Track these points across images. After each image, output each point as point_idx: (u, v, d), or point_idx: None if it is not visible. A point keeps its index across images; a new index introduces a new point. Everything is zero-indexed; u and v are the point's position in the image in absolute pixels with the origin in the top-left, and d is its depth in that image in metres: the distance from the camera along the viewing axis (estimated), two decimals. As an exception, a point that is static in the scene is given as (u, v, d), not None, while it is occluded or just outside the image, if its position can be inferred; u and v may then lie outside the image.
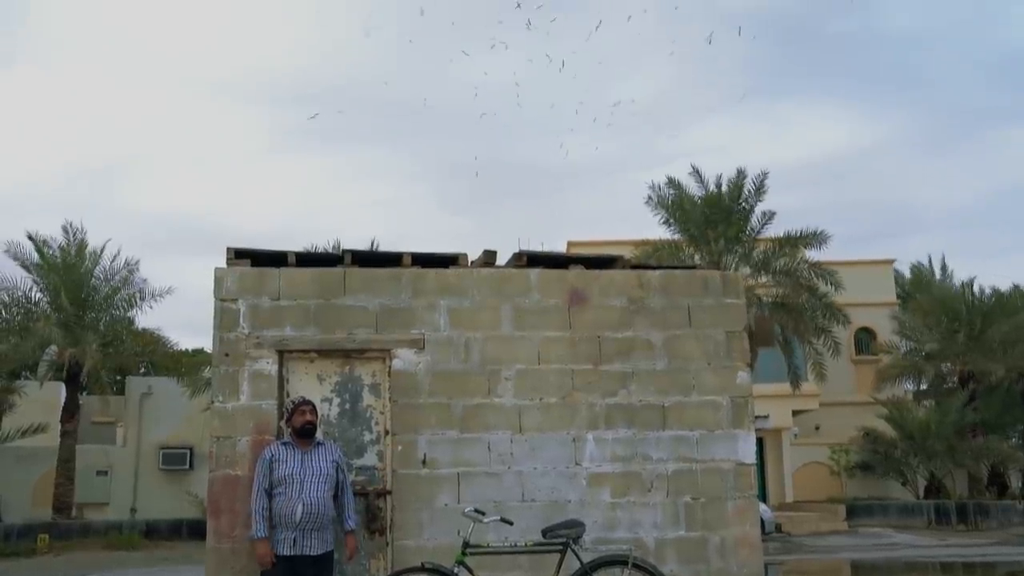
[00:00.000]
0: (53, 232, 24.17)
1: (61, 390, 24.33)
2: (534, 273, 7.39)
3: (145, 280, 23.88)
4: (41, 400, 24.84)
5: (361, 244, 22.42)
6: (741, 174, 23.66)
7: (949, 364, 29.15)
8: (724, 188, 23.77)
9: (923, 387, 30.93)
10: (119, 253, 23.81)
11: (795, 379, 25.13)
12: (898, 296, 33.35)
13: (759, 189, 23.43)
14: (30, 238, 22.78)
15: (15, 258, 22.42)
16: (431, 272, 7.25)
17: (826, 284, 23.42)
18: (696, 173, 23.99)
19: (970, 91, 73.65)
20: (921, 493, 27.91)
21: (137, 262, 23.74)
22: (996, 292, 29.98)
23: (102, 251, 23.66)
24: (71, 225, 23.41)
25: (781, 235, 23.51)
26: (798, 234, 23.30)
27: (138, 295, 23.73)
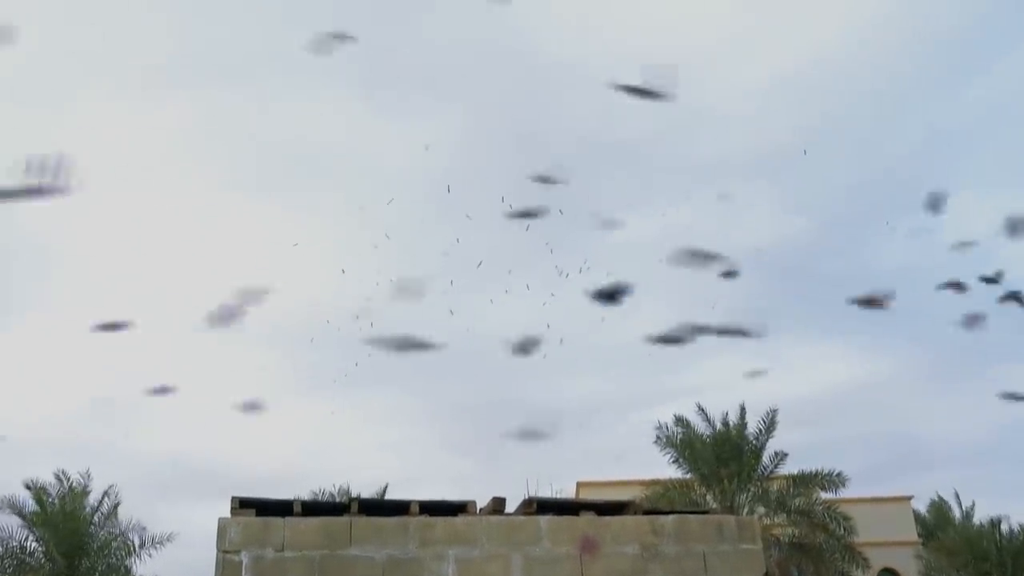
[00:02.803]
0: (49, 477, 23.79)
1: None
2: (544, 520, 7.24)
3: (144, 528, 23.27)
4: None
5: (367, 487, 22.12)
6: (746, 412, 23.68)
7: (983, 608, 27.70)
8: (732, 426, 23.68)
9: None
10: (118, 498, 23.37)
11: (820, 626, 23.84)
12: (918, 534, 32.26)
13: (770, 427, 23.31)
14: (28, 487, 22.41)
15: (11, 507, 21.99)
16: (439, 521, 7.11)
17: (840, 529, 22.78)
18: (703, 412, 23.99)
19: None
20: None
21: (134, 515, 23.22)
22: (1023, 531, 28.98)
23: (102, 497, 23.22)
24: (64, 473, 23.02)
25: (795, 473, 23.12)
26: (813, 474, 22.90)
27: (136, 542, 23.06)
